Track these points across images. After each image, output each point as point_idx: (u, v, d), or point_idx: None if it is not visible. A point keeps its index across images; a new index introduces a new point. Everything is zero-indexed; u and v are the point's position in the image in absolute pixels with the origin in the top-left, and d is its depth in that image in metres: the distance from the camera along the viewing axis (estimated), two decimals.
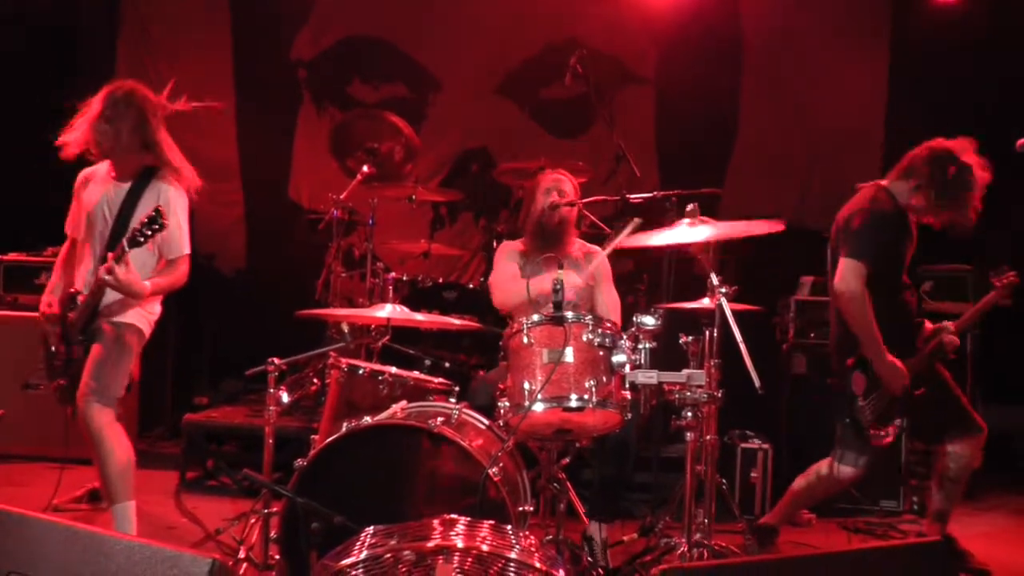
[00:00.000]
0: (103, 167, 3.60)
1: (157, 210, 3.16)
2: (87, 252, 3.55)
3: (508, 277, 3.80)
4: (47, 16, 6.09)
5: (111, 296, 3.41)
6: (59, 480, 3.82)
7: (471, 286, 4.87)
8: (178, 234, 3.48)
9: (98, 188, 3.55)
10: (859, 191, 3.70)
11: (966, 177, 3.50)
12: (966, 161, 3.52)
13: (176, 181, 3.51)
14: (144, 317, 3.54)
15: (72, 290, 3.50)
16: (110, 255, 3.23)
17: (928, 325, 3.73)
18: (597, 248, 3.94)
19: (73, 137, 3.46)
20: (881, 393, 3.53)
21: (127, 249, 3.18)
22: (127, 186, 3.50)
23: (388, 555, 1.95)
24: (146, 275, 3.42)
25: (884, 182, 3.67)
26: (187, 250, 3.51)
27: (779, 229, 3.21)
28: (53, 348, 3.51)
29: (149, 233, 3.14)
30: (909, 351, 3.58)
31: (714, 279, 3.10)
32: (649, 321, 2.91)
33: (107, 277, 3.19)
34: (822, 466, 3.71)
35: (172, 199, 3.46)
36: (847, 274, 3.47)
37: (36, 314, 3.65)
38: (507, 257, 3.92)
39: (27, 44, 6.01)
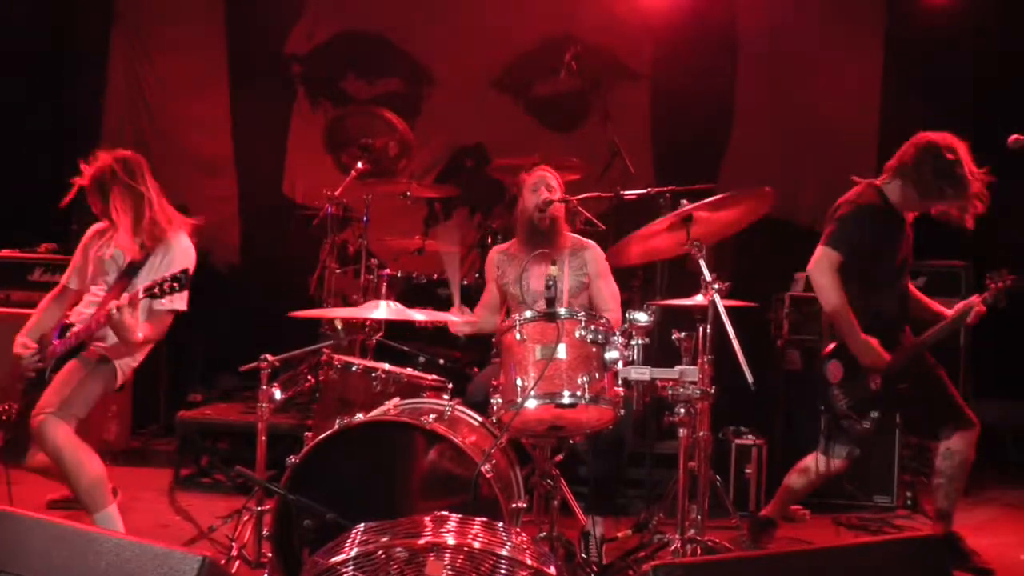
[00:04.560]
0: None
1: (185, 271, 3.17)
2: (89, 295, 3.59)
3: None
4: (40, 11, 6.05)
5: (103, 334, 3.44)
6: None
7: (465, 282, 4.86)
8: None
9: (111, 240, 3.59)
10: (855, 184, 3.73)
11: (949, 167, 3.51)
12: (949, 151, 3.53)
13: (186, 235, 3.58)
14: (127, 362, 3.57)
15: (66, 321, 3.55)
16: (126, 295, 3.26)
17: (945, 311, 3.71)
18: (590, 243, 3.94)
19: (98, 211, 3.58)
20: (857, 383, 3.57)
21: (141, 297, 3.20)
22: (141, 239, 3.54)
23: (380, 552, 1.95)
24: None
25: (877, 181, 3.69)
26: (179, 307, 3.52)
27: (768, 202, 3.23)
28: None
29: (168, 290, 3.15)
30: (887, 348, 3.59)
31: (707, 275, 3.10)
32: (642, 317, 2.91)
33: (115, 313, 3.21)
34: (810, 459, 3.74)
35: (182, 255, 3.52)
36: (820, 261, 3.57)
37: (30, 311, 3.65)
38: (489, 271, 3.97)
39: (19, 40, 5.97)
